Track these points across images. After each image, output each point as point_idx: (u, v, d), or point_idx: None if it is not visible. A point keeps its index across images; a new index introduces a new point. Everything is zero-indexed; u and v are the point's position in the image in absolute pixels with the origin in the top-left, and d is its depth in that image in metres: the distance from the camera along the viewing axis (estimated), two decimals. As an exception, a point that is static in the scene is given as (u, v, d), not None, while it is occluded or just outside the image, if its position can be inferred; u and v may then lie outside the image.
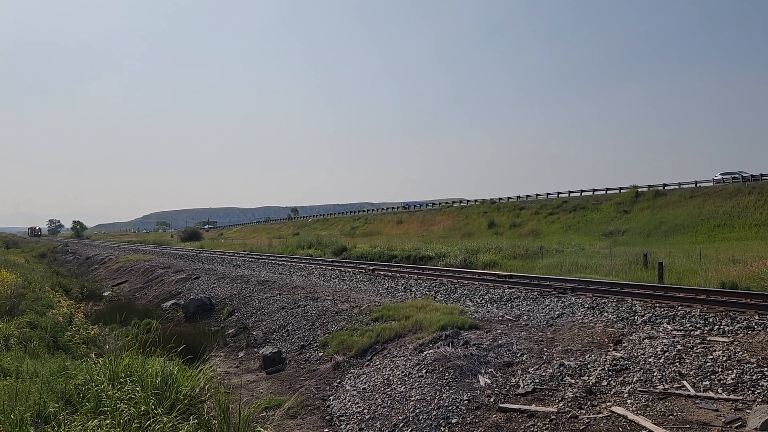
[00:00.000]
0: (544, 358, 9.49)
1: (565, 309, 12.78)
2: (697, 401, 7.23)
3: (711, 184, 49.37)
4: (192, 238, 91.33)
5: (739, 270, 18.02)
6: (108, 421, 6.27)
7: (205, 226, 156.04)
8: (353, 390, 9.82)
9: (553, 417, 7.29)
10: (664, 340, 9.34)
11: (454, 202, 79.13)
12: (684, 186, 50.89)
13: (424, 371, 9.46)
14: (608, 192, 56.50)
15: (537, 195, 65.34)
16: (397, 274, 21.32)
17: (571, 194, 60.33)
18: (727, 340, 9.18)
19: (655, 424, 6.63)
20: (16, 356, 10.02)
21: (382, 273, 22.08)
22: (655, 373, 8.17)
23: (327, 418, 9.11)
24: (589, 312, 12.28)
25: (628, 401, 7.47)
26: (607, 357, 8.98)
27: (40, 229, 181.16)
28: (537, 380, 8.61)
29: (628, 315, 11.66)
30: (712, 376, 7.85)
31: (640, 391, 7.73)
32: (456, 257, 28.45)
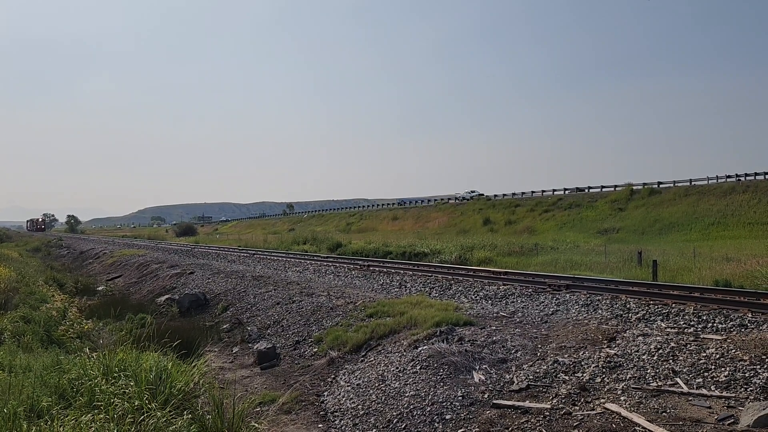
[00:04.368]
0: (539, 354, 9.51)
1: (560, 306, 12.81)
2: (690, 398, 7.27)
3: (705, 182, 49.45)
4: (187, 233, 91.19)
5: (733, 268, 18.14)
6: (101, 416, 6.26)
7: (200, 222, 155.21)
8: (348, 386, 9.83)
9: (547, 413, 7.32)
10: (658, 338, 9.38)
11: (449, 199, 79.16)
12: (679, 184, 51.00)
13: (418, 367, 9.47)
14: (603, 190, 56.60)
15: (532, 192, 65.40)
16: (392, 271, 21.32)
17: (567, 192, 60.45)
18: (720, 337, 9.22)
19: (648, 420, 6.66)
20: (10, 350, 9.97)
21: (377, 269, 22.07)
22: (648, 371, 8.21)
23: (321, 413, 9.11)
24: (583, 309, 12.31)
25: (622, 398, 7.50)
26: (601, 354, 9.01)
27: (43, 222, 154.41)
28: (531, 377, 8.63)
29: (622, 312, 11.70)
30: (705, 374, 7.90)
31: (633, 388, 7.76)
32: (451, 254, 28.51)
